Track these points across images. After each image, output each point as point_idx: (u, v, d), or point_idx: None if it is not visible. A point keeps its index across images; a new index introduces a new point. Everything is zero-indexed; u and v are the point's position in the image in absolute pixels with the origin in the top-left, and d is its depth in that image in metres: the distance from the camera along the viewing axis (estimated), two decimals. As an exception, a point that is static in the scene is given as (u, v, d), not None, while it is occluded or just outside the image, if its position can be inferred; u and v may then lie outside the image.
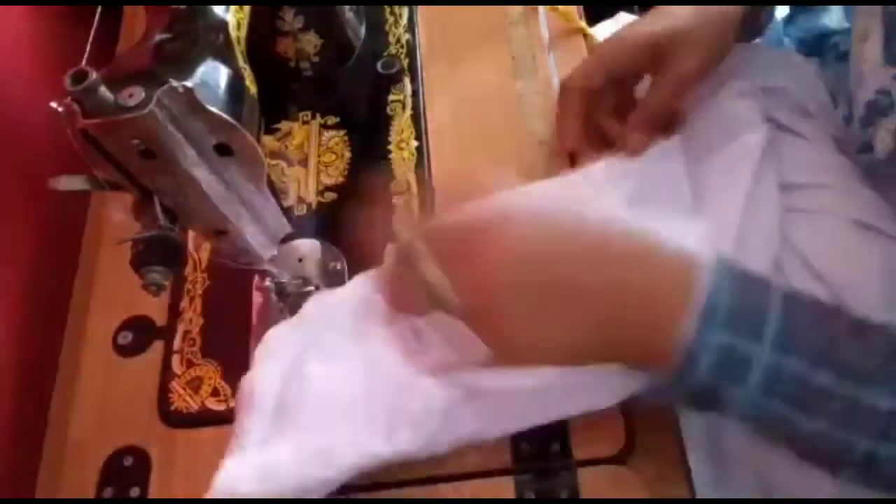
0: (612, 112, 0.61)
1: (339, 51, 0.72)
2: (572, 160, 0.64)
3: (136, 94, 0.39)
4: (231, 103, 0.44)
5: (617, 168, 0.58)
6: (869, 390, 0.39)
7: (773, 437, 0.43)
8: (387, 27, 0.74)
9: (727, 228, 0.54)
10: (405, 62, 0.72)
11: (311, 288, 0.60)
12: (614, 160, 0.58)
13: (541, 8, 0.73)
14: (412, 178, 0.65)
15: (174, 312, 0.62)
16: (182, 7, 0.46)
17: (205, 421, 0.57)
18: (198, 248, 0.64)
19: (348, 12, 0.72)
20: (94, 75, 0.37)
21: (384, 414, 0.51)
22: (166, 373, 0.60)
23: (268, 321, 0.60)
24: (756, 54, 0.64)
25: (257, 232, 0.50)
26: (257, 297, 0.62)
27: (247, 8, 0.50)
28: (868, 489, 0.41)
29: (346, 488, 0.51)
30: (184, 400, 0.58)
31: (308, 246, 0.63)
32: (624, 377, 0.46)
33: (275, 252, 0.52)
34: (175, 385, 0.59)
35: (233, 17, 0.48)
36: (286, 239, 0.54)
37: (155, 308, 0.62)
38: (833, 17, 0.69)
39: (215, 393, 0.58)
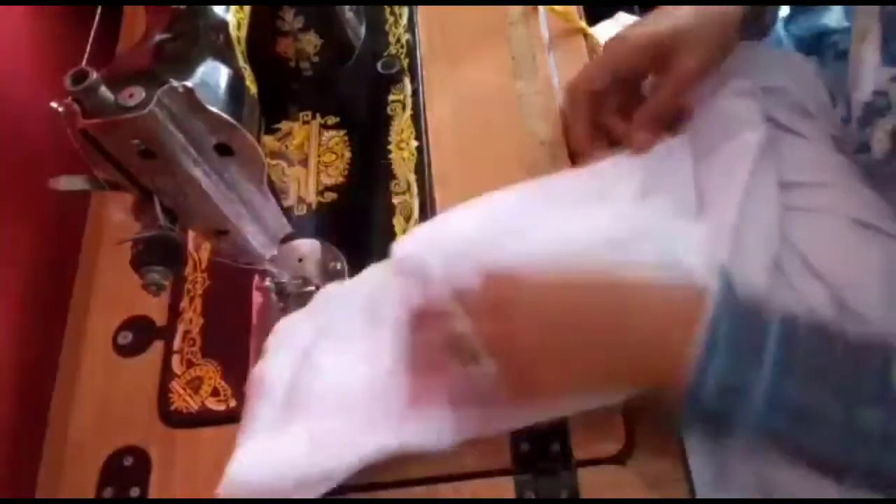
0: (617, 111, 0.62)
1: (339, 51, 0.72)
2: (573, 160, 0.64)
3: (137, 94, 0.39)
4: (231, 103, 0.44)
5: (624, 164, 0.58)
6: (866, 409, 0.41)
7: (780, 452, 0.44)
8: (387, 27, 0.74)
9: (726, 227, 0.54)
10: (405, 62, 0.72)
11: (311, 288, 0.60)
12: (621, 157, 0.59)
13: (541, 8, 0.73)
14: (412, 178, 0.65)
15: (174, 312, 0.62)
16: (182, 7, 0.46)
17: (205, 421, 0.57)
18: (198, 248, 0.64)
19: (348, 12, 0.72)
20: (94, 75, 0.37)
21: (393, 406, 0.51)
22: (166, 373, 0.60)
23: (268, 321, 0.60)
24: (756, 54, 0.64)
25: (257, 232, 0.50)
26: (257, 297, 0.62)
27: (247, 8, 0.50)
28: (871, 492, 0.43)
29: (346, 488, 0.51)
30: (184, 400, 0.58)
31: (308, 246, 0.63)
32: None
33: (275, 252, 0.52)
34: (175, 385, 0.59)
35: (233, 17, 0.48)
36: (286, 239, 0.54)
37: (155, 308, 0.62)
38: (833, 17, 0.69)
39: (215, 393, 0.58)
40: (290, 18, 0.67)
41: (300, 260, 0.62)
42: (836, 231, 0.54)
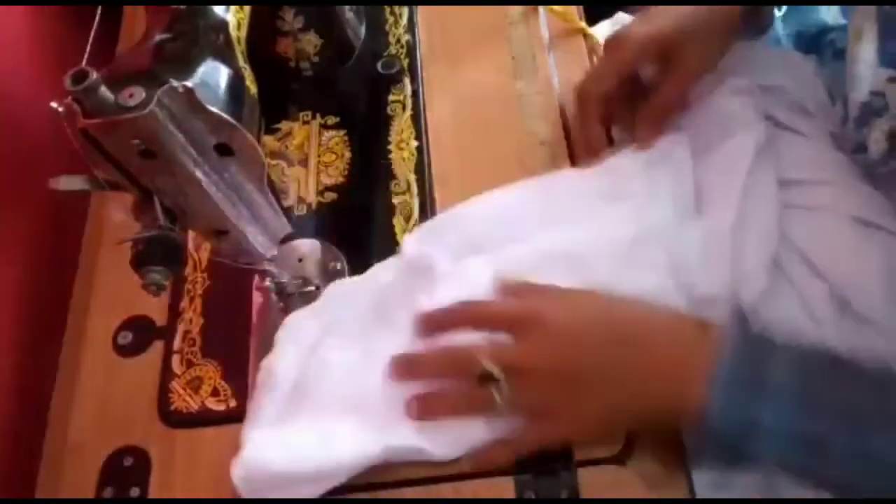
0: (622, 104, 0.62)
1: (339, 51, 0.72)
2: (573, 160, 0.64)
3: (137, 94, 0.39)
4: (231, 103, 0.44)
5: (627, 164, 0.58)
6: (879, 437, 0.41)
7: (792, 477, 0.45)
8: (387, 27, 0.74)
9: (725, 226, 0.54)
10: (405, 62, 0.72)
11: (311, 288, 0.60)
12: (623, 157, 0.59)
13: (541, 8, 0.73)
14: (412, 178, 0.65)
15: (174, 312, 0.62)
16: (182, 7, 0.46)
17: (205, 421, 0.57)
18: (198, 248, 0.64)
19: (348, 12, 0.72)
20: (94, 75, 0.37)
21: (399, 409, 0.52)
22: (166, 373, 0.60)
23: (268, 321, 0.60)
24: (754, 53, 0.64)
25: (257, 232, 0.50)
26: (257, 297, 0.62)
27: (247, 8, 0.50)
28: None
29: (346, 488, 0.51)
30: (184, 400, 0.58)
31: (308, 246, 0.63)
32: None
33: (275, 252, 0.52)
34: (175, 385, 0.59)
35: (233, 17, 0.48)
36: (286, 239, 0.54)
37: (155, 308, 0.62)
38: (830, 13, 0.68)
39: (215, 393, 0.58)
40: (290, 18, 0.67)
41: (300, 260, 0.62)
42: (836, 229, 0.54)
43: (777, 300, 0.53)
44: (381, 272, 0.58)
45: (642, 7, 0.61)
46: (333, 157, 0.68)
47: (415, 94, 0.70)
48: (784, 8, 0.70)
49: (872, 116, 0.52)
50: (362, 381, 0.53)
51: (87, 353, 0.62)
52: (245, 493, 0.50)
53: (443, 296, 0.54)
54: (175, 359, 0.60)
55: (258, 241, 0.50)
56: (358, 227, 0.64)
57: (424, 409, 0.52)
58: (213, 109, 0.41)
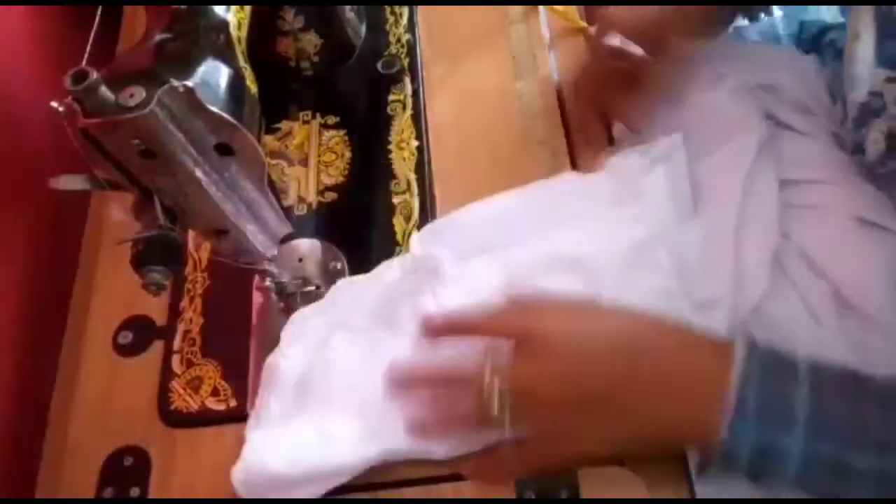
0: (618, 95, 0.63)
1: (339, 51, 0.72)
2: (573, 161, 0.64)
3: (137, 93, 0.39)
4: (231, 103, 0.44)
5: (625, 169, 0.58)
6: None
7: (811, 496, 0.44)
8: (387, 27, 0.74)
9: (725, 226, 0.54)
10: (405, 62, 0.72)
11: (312, 288, 0.60)
12: (622, 160, 0.59)
13: (541, 7, 0.73)
14: (412, 178, 0.65)
15: (174, 312, 0.62)
16: (182, 7, 0.46)
17: (205, 421, 0.57)
18: (198, 248, 0.64)
19: (348, 12, 0.72)
20: (94, 75, 0.37)
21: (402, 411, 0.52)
22: (166, 373, 0.60)
23: (268, 321, 0.60)
24: (755, 51, 0.64)
25: (257, 232, 0.50)
26: (257, 297, 0.62)
27: (247, 8, 0.50)
28: None
29: (346, 488, 0.51)
30: (184, 400, 0.58)
31: (308, 246, 0.63)
32: None
33: (275, 252, 0.52)
34: (175, 385, 0.59)
35: (233, 17, 0.48)
36: (286, 239, 0.54)
37: (155, 308, 0.62)
38: (829, 12, 0.68)
39: (215, 393, 0.58)
40: (290, 18, 0.67)
41: (300, 260, 0.62)
42: (837, 229, 0.54)
43: (778, 300, 0.53)
44: (388, 271, 0.58)
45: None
46: (333, 156, 0.68)
47: (415, 93, 0.70)
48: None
49: (871, 117, 0.52)
50: (366, 379, 0.53)
51: (87, 353, 0.62)
52: (245, 496, 0.50)
53: (448, 297, 0.54)
54: (175, 359, 0.60)
55: (258, 240, 0.50)
56: (358, 227, 0.64)
57: (424, 432, 0.51)
58: (214, 109, 0.41)
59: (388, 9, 0.75)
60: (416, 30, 0.74)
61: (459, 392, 0.50)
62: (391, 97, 0.70)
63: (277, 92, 0.71)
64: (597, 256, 0.54)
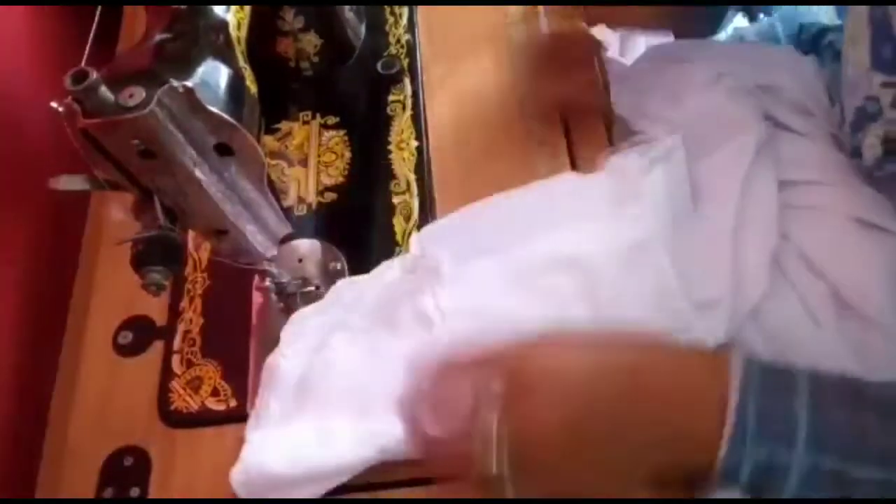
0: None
1: (339, 51, 0.72)
2: (573, 161, 0.64)
3: (137, 94, 0.39)
4: (231, 103, 0.44)
5: (625, 169, 0.58)
6: None
7: None
8: (387, 27, 0.74)
9: (724, 227, 0.54)
10: (405, 62, 0.72)
11: (311, 288, 0.60)
12: (622, 160, 0.59)
13: (541, 8, 0.73)
14: (412, 178, 0.65)
15: (174, 312, 0.62)
16: (182, 7, 0.46)
17: (205, 421, 0.57)
18: (198, 248, 0.64)
19: (348, 12, 0.72)
20: (94, 75, 0.37)
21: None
22: (166, 373, 0.60)
23: (268, 321, 0.60)
24: (754, 52, 0.64)
25: (257, 232, 0.50)
26: (257, 297, 0.62)
27: (247, 8, 0.50)
28: None
29: (346, 488, 0.51)
30: (184, 400, 0.58)
31: (308, 246, 0.63)
32: None
33: (275, 252, 0.52)
34: (175, 385, 0.59)
35: (233, 17, 0.48)
36: (286, 239, 0.54)
37: (155, 308, 0.62)
38: (827, 14, 0.68)
39: (215, 393, 0.58)
40: (290, 18, 0.67)
41: (300, 260, 0.62)
42: (836, 229, 0.54)
43: (778, 301, 0.53)
44: (388, 272, 0.58)
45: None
46: (333, 157, 0.68)
47: (415, 94, 0.70)
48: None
49: (867, 121, 0.52)
50: (365, 379, 0.53)
51: (87, 353, 0.62)
52: (244, 496, 0.50)
53: (448, 297, 0.54)
54: (175, 359, 0.60)
55: (258, 240, 0.50)
56: (358, 227, 0.64)
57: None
58: (213, 109, 0.41)
59: (387, 9, 0.75)
60: (416, 30, 0.74)
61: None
62: (391, 97, 0.70)
63: (277, 92, 0.71)
64: (596, 256, 0.54)
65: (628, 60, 0.75)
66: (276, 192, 0.50)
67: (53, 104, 0.39)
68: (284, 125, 0.70)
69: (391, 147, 0.67)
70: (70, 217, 0.70)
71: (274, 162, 0.67)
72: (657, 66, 0.65)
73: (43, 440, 0.61)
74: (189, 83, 0.40)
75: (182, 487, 0.55)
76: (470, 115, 0.68)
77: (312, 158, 0.68)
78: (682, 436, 0.43)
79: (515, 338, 0.46)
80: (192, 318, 0.62)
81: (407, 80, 0.71)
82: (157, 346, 0.61)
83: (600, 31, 0.75)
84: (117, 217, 0.61)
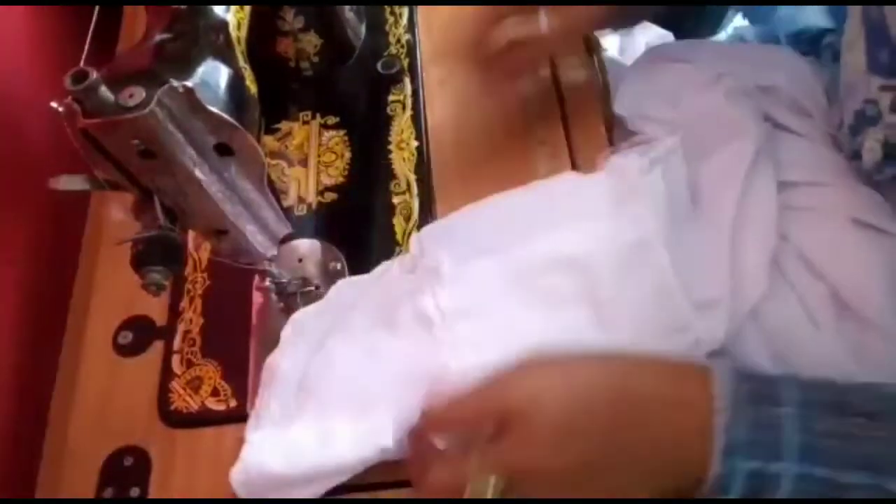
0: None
1: (339, 51, 0.72)
2: (573, 161, 0.64)
3: (137, 93, 0.39)
4: (231, 103, 0.44)
5: (625, 169, 0.58)
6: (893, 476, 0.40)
7: None
8: (387, 27, 0.74)
9: (724, 225, 0.54)
10: (405, 62, 0.72)
11: (311, 288, 0.60)
12: (622, 160, 0.59)
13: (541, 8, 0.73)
14: (412, 178, 0.65)
15: (174, 312, 0.62)
16: (182, 7, 0.46)
17: (205, 421, 0.57)
18: (198, 248, 0.64)
19: (348, 12, 0.72)
20: (94, 75, 0.37)
21: (403, 412, 0.51)
22: (166, 373, 0.60)
23: (268, 321, 0.60)
24: (752, 52, 0.63)
25: (257, 232, 0.50)
26: (257, 297, 0.62)
27: (247, 8, 0.50)
28: None
29: (346, 488, 0.51)
30: (184, 400, 0.58)
31: (308, 246, 0.63)
32: None
33: (275, 252, 0.52)
34: (175, 385, 0.59)
35: (233, 17, 0.48)
36: (286, 239, 0.54)
37: (155, 308, 0.62)
38: (821, 17, 0.68)
39: (215, 393, 0.58)
40: (290, 18, 0.67)
41: (300, 260, 0.62)
42: (835, 231, 0.54)
43: (777, 302, 0.53)
44: (387, 272, 0.58)
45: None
46: (333, 157, 0.68)
47: (415, 94, 0.70)
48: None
49: (866, 125, 0.52)
50: (365, 380, 0.53)
51: (87, 353, 0.62)
52: (244, 496, 0.50)
53: (448, 297, 0.54)
54: (175, 359, 0.60)
55: (258, 240, 0.50)
56: (358, 227, 0.64)
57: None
58: (213, 109, 0.41)
59: (388, 9, 0.75)
60: (416, 30, 0.74)
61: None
62: (391, 97, 0.70)
63: (277, 92, 0.71)
64: (596, 256, 0.54)
65: (628, 60, 0.75)
66: (276, 192, 0.50)
67: (53, 104, 0.39)
68: (284, 125, 0.70)
69: (391, 147, 0.67)
70: (70, 217, 0.70)
71: (274, 162, 0.67)
72: (657, 66, 0.65)
73: (43, 440, 0.61)
74: (189, 83, 0.40)
75: (182, 487, 0.55)
76: (470, 115, 0.68)
77: (312, 158, 0.68)
78: (671, 459, 0.43)
79: (504, 364, 0.45)
80: (192, 318, 0.62)
81: (407, 80, 0.71)
82: (157, 346, 0.61)
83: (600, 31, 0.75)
84: (117, 217, 0.61)
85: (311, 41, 0.69)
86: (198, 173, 0.43)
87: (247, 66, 0.48)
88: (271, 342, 0.57)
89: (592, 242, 0.54)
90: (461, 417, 0.46)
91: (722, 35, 0.76)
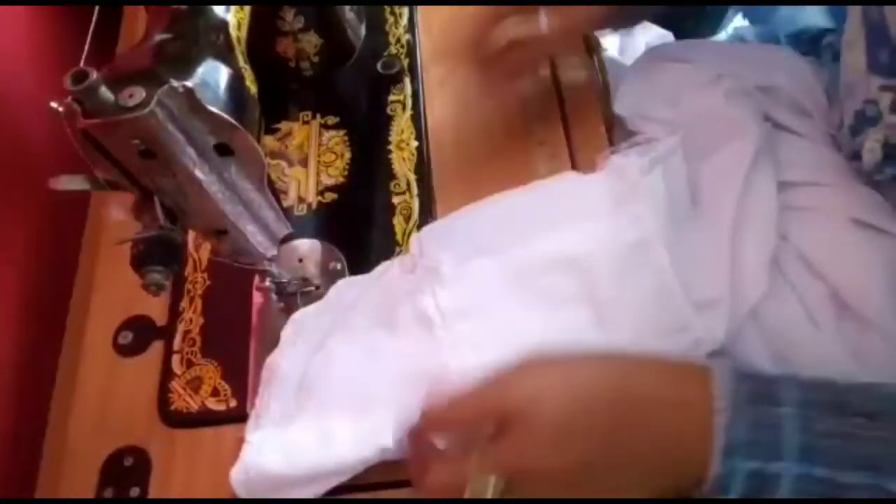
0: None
1: (339, 51, 0.72)
2: (573, 161, 0.64)
3: (137, 94, 0.39)
4: (231, 103, 0.44)
5: (625, 169, 0.58)
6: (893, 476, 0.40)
7: None
8: (387, 27, 0.74)
9: (724, 225, 0.54)
10: (405, 62, 0.72)
11: (312, 288, 0.60)
12: (622, 159, 0.59)
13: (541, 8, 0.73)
14: (412, 178, 0.65)
15: (174, 312, 0.62)
16: (182, 7, 0.46)
17: (205, 421, 0.57)
18: (198, 248, 0.64)
19: (348, 12, 0.72)
20: (94, 75, 0.37)
21: (403, 412, 0.51)
22: (166, 373, 0.60)
23: (268, 321, 0.60)
24: (752, 52, 0.63)
25: (257, 232, 0.50)
26: (257, 297, 0.62)
27: (247, 8, 0.50)
28: None
29: (346, 488, 0.51)
30: (184, 400, 0.58)
31: (308, 246, 0.63)
32: None
33: (275, 252, 0.52)
34: (175, 385, 0.59)
35: (233, 17, 0.48)
36: (286, 239, 0.54)
37: (155, 308, 0.62)
38: (821, 17, 0.68)
39: (215, 393, 0.58)
40: (290, 18, 0.67)
41: (300, 260, 0.62)
42: (835, 231, 0.54)
43: (777, 302, 0.53)
44: (387, 272, 0.58)
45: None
46: (333, 157, 0.68)
47: (415, 94, 0.70)
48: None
49: (867, 125, 0.52)
50: (365, 379, 0.53)
51: (87, 353, 0.62)
52: (244, 496, 0.50)
53: (448, 297, 0.54)
54: (175, 359, 0.60)
55: (258, 240, 0.50)
56: (358, 227, 0.64)
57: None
58: (213, 109, 0.41)
59: (388, 9, 0.75)
60: (416, 30, 0.74)
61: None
62: (391, 97, 0.70)
63: (277, 92, 0.71)
64: (596, 256, 0.54)
65: (628, 60, 0.75)
66: (276, 192, 0.50)
67: (53, 104, 0.39)
68: (284, 125, 0.70)
69: (391, 147, 0.67)
70: (70, 217, 0.70)
71: (274, 162, 0.67)
72: (657, 66, 0.65)
73: (43, 440, 0.61)
74: (189, 83, 0.40)
75: (182, 487, 0.55)
76: (470, 115, 0.68)
77: (312, 158, 0.68)
78: (671, 459, 0.43)
79: (504, 363, 0.45)
80: (192, 318, 0.62)
81: (407, 80, 0.71)
82: (157, 346, 0.61)
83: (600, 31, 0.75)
84: (117, 217, 0.61)
85: (311, 41, 0.69)
86: (198, 173, 0.43)
87: (247, 66, 0.48)
88: (271, 342, 0.57)
89: (592, 242, 0.54)
90: (461, 417, 0.46)
91: (722, 35, 0.77)
